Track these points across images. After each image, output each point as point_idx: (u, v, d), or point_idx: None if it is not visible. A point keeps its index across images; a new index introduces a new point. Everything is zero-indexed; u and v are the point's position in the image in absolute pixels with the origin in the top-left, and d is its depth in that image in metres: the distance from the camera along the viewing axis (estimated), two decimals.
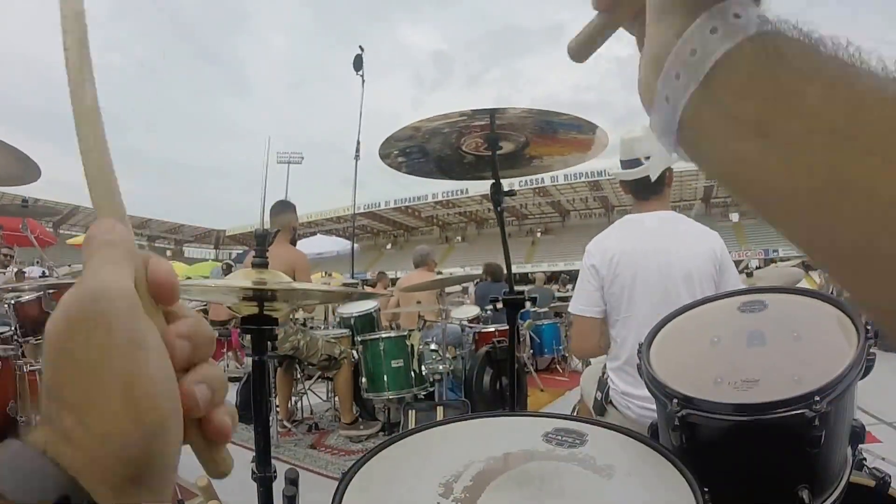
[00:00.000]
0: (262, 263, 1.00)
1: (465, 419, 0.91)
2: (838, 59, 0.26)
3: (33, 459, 0.24)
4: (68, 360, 0.25)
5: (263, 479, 1.01)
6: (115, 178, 0.31)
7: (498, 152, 1.45)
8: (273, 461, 1.12)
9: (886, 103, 0.25)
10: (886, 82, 0.25)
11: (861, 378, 0.76)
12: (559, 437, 0.81)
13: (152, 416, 0.26)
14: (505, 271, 1.69)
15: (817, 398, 0.70)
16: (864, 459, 1.05)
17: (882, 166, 0.24)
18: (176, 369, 0.28)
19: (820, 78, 0.26)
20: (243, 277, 0.95)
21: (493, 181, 1.48)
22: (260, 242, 1.06)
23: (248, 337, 3.32)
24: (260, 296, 0.94)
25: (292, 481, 0.78)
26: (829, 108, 0.25)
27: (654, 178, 1.77)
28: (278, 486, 1.06)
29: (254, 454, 1.06)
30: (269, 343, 1.00)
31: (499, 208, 1.49)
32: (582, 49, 0.41)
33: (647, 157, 1.81)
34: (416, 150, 1.46)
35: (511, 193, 1.50)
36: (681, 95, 0.30)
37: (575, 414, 2.10)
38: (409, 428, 0.84)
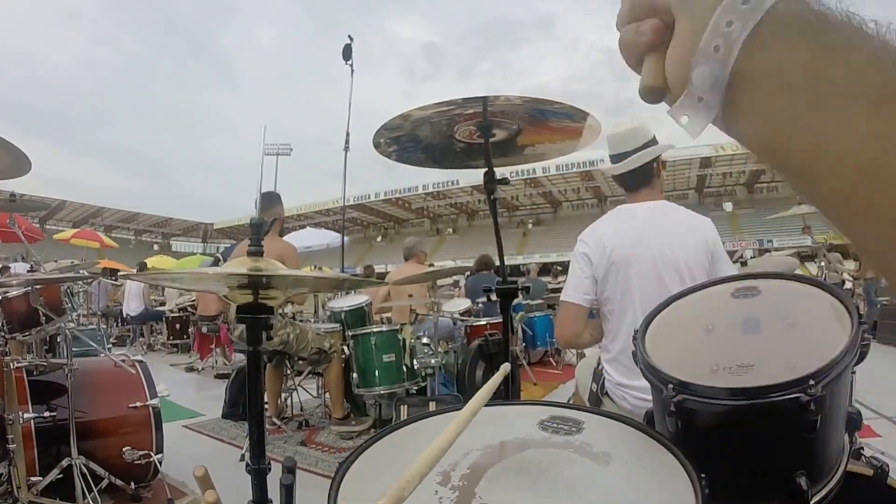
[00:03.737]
0: (257, 252, 0.98)
1: (460, 409, 0.90)
2: (875, 34, 0.28)
3: None
4: None
5: (258, 471, 1.00)
6: None
7: (490, 140, 1.44)
8: (269, 459, 1.10)
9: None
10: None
11: (856, 364, 0.77)
12: (555, 425, 0.81)
13: None
14: (497, 262, 1.68)
15: (812, 382, 0.70)
16: (862, 449, 1.06)
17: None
18: None
19: (866, 45, 0.28)
20: (238, 265, 0.94)
21: (486, 169, 1.47)
22: (256, 231, 1.04)
23: (238, 332, 3.26)
24: (255, 283, 0.93)
25: (289, 469, 0.77)
26: (877, 72, 0.27)
27: (636, 165, 1.79)
28: (272, 480, 1.05)
29: (243, 451, 1.05)
30: (264, 333, 0.99)
31: (491, 197, 1.48)
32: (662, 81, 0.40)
33: (636, 150, 1.81)
34: (407, 139, 1.45)
35: (505, 182, 1.49)
36: (735, 40, 0.31)
37: None
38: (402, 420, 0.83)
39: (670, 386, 0.79)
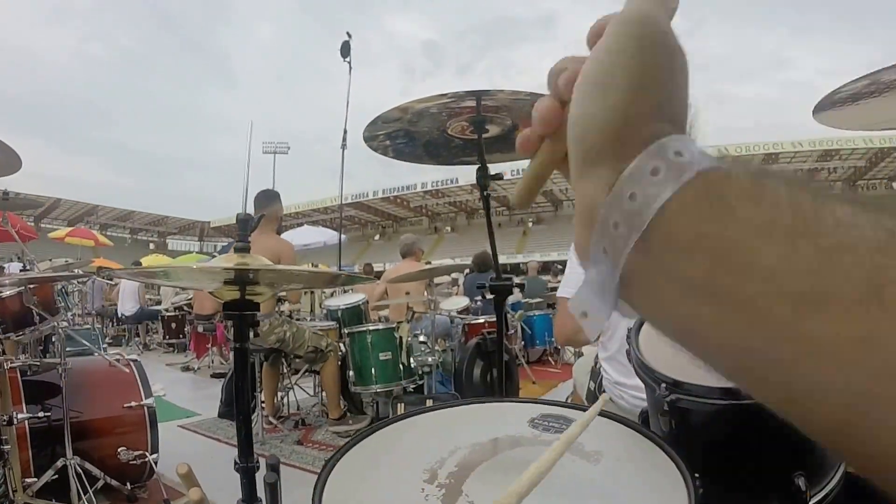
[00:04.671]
0: (244, 248, 0.98)
1: (450, 406, 0.89)
2: (796, 203, 0.23)
3: None
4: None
5: (246, 469, 0.99)
6: None
7: (485, 135, 1.43)
8: (258, 457, 1.09)
9: (861, 260, 0.21)
10: (857, 230, 0.22)
11: None
12: (546, 423, 0.80)
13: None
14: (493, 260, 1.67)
15: None
16: None
17: (861, 332, 0.20)
18: None
19: (776, 233, 0.23)
20: (225, 261, 0.93)
21: (479, 165, 1.46)
22: (242, 227, 1.03)
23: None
24: (241, 279, 0.92)
25: (273, 468, 0.76)
26: (790, 271, 0.22)
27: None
28: (262, 479, 1.05)
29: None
30: (251, 330, 0.98)
31: (485, 193, 1.47)
32: (525, 198, 0.41)
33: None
34: (402, 134, 1.44)
35: (498, 177, 1.48)
36: (621, 246, 0.27)
37: None
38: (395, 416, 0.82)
39: (663, 385, 0.78)
